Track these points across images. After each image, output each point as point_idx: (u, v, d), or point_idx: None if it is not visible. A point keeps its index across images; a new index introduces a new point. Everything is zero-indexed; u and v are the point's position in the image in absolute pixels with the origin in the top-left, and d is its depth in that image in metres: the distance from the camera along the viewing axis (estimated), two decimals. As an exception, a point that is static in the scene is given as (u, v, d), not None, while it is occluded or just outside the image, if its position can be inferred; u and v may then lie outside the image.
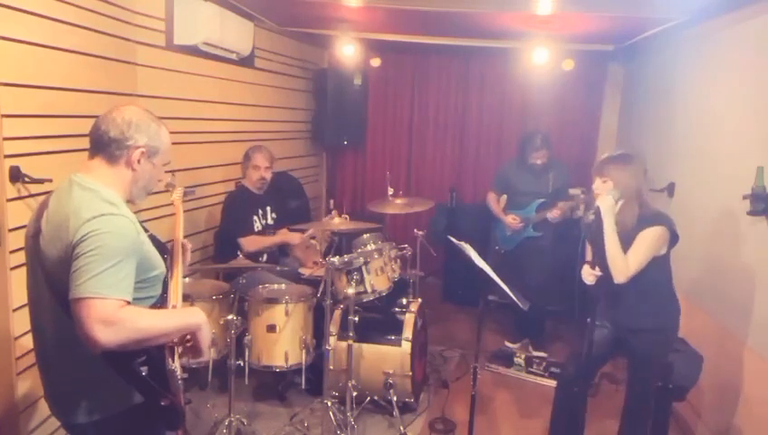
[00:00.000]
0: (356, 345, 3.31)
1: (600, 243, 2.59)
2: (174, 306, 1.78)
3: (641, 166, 2.75)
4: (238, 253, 3.26)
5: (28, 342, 1.95)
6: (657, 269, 2.63)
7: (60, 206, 1.59)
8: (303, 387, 3.25)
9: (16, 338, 2.41)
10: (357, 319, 3.22)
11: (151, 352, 1.63)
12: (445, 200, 5.71)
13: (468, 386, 2.86)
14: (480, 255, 2.76)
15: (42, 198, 1.80)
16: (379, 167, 6.22)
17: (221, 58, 4.00)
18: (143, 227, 1.69)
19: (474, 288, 3.26)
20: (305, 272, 3.76)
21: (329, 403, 3.15)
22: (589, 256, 2.76)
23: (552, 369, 4.08)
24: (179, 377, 1.73)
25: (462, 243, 2.80)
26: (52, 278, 1.58)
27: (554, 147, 4.52)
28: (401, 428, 3.30)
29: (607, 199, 2.59)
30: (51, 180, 2.42)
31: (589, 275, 2.62)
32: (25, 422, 2.50)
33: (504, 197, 4.64)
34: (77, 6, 2.68)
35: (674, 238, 2.63)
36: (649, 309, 2.69)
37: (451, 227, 5.39)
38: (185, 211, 2.38)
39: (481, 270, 2.70)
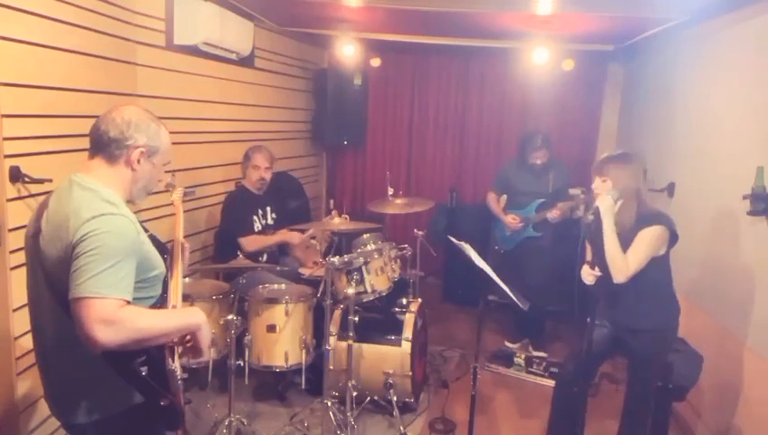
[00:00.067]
0: (356, 345, 3.31)
1: (600, 243, 2.59)
2: (174, 306, 1.78)
3: (641, 165, 2.75)
4: (238, 253, 3.26)
5: (28, 342, 1.95)
6: (657, 269, 2.63)
7: (60, 206, 1.59)
8: (303, 387, 3.25)
9: (16, 338, 2.41)
10: (357, 319, 3.22)
11: (151, 352, 1.63)
12: (445, 200, 5.71)
13: (468, 386, 2.86)
14: (480, 255, 2.76)
15: (42, 198, 1.80)
16: (379, 167, 6.22)
17: (221, 58, 4.00)
18: (143, 227, 1.69)
19: (474, 288, 3.25)
20: (305, 272, 3.76)
21: (329, 403, 3.16)
22: (588, 256, 2.76)
23: (552, 369, 4.07)
24: (179, 377, 1.73)
25: (462, 243, 2.79)
26: (52, 278, 1.58)
27: (554, 147, 4.52)
28: (401, 428, 3.30)
29: (606, 199, 2.59)
30: (51, 180, 2.42)
31: (588, 275, 2.62)
32: (25, 422, 2.50)
33: (504, 197, 4.64)
34: (77, 6, 2.68)
35: (673, 238, 2.63)
36: (649, 309, 2.69)
37: (451, 227, 5.39)
38: (185, 211, 2.38)
39: (481, 270, 2.70)
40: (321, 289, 3.17)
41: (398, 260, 3.58)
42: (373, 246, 3.40)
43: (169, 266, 1.86)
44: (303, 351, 3.14)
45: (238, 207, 3.77)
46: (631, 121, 5.35)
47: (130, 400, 1.66)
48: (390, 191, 3.88)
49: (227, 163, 4.16)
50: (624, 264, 2.56)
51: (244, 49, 4.24)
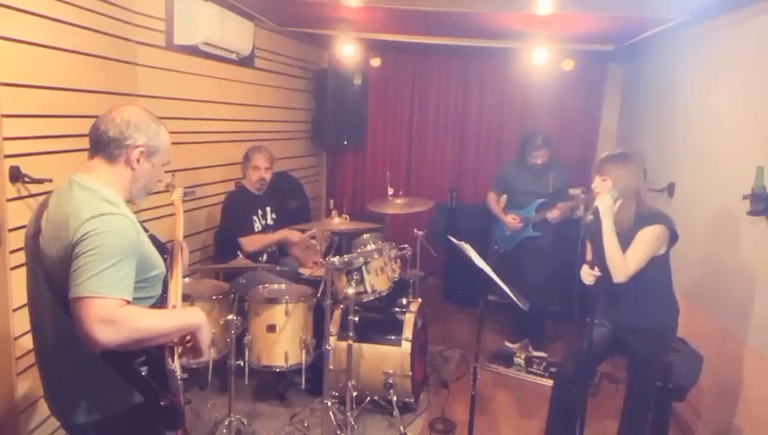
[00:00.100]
0: (356, 345, 3.31)
1: (599, 243, 2.59)
2: (174, 306, 1.78)
3: (641, 165, 2.75)
4: (238, 253, 3.26)
5: (28, 342, 1.95)
6: (657, 269, 2.63)
7: (60, 206, 1.59)
8: (303, 387, 3.25)
9: (16, 338, 2.41)
10: (357, 319, 3.22)
11: (151, 352, 1.63)
12: (445, 200, 5.71)
13: (468, 386, 2.86)
14: (480, 255, 2.76)
15: (42, 198, 1.80)
16: (379, 167, 6.22)
17: (221, 58, 4.00)
18: (143, 227, 1.69)
19: (474, 288, 3.25)
20: (305, 272, 3.76)
21: (329, 403, 3.15)
22: (588, 256, 2.76)
23: (552, 369, 4.07)
24: (179, 377, 1.73)
25: (462, 243, 2.79)
26: (52, 278, 1.58)
27: (554, 147, 4.52)
28: (401, 428, 3.30)
29: (605, 199, 2.59)
30: (51, 180, 2.42)
31: (588, 275, 2.62)
32: (25, 422, 2.50)
33: (504, 197, 4.64)
34: (77, 6, 2.68)
35: (673, 237, 2.63)
36: (649, 308, 2.69)
37: (451, 227, 5.39)
38: (185, 211, 2.38)
39: (481, 270, 2.70)
40: (321, 289, 3.17)
41: (398, 260, 3.58)
42: (373, 246, 3.40)
43: (169, 266, 1.86)
44: (303, 351, 3.14)
45: (238, 208, 3.77)
46: (631, 121, 5.35)
47: (130, 400, 1.66)
48: (390, 191, 3.88)
49: (227, 163, 4.16)
50: (624, 263, 2.56)
51: (244, 49, 4.24)
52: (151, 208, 3.21)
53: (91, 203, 1.57)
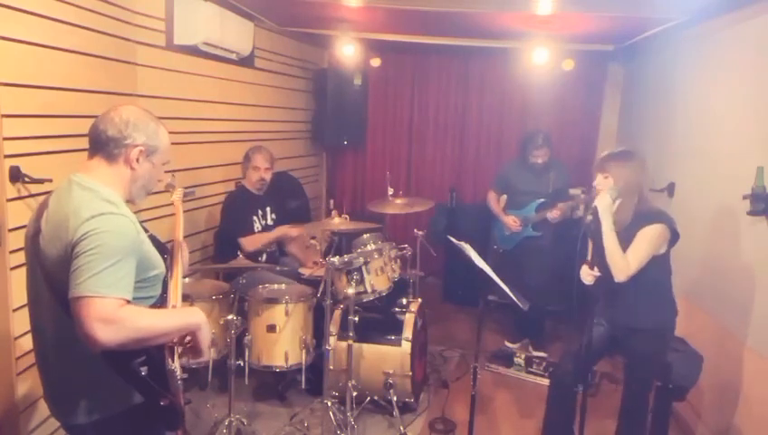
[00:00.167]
0: (356, 345, 3.31)
1: (599, 243, 2.59)
2: (174, 306, 1.78)
3: (642, 163, 2.75)
4: (238, 253, 3.26)
5: (28, 342, 1.95)
6: (658, 268, 2.63)
7: (59, 206, 1.59)
8: (303, 387, 3.25)
9: (16, 338, 2.41)
10: (357, 319, 3.22)
11: (151, 352, 1.63)
12: (445, 200, 5.71)
13: (468, 386, 2.86)
14: (480, 255, 2.76)
15: (42, 198, 1.80)
16: (379, 167, 6.22)
17: (221, 58, 4.00)
18: (143, 227, 1.69)
19: (474, 288, 3.25)
20: (305, 272, 3.76)
21: (329, 403, 3.15)
22: (588, 256, 2.76)
23: (552, 369, 4.07)
24: (179, 377, 1.73)
25: (462, 243, 2.79)
26: (52, 278, 1.58)
27: (554, 147, 4.52)
28: (401, 428, 3.30)
29: (604, 199, 2.59)
30: (51, 180, 2.42)
31: (587, 275, 2.61)
32: (25, 422, 2.51)
33: (504, 196, 4.64)
34: (77, 6, 2.68)
35: (674, 237, 2.63)
36: (648, 308, 2.69)
37: (451, 227, 5.39)
38: (185, 211, 2.38)
39: (481, 270, 2.70)
40: (321, 289, 3.17)
41: (398, 260, 3.58)
42: (373, 246, 3.40)
43: (169, 266, 1.86)
44: (303, 351, 3.14)
45: (238, 208, 3.77)
46: (631, 121, 5.35)
47: (130, 400, 1.66)
48: (390, 191, 3.88)
49: (227, 163, 4.16)
50: (624, 263, 2.56)
51: (244, 49, 4.24)
52: (151, 208, 3.21)
53: (90, 203, 1.57)
